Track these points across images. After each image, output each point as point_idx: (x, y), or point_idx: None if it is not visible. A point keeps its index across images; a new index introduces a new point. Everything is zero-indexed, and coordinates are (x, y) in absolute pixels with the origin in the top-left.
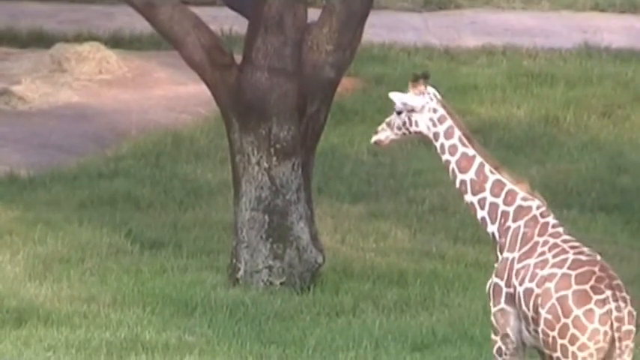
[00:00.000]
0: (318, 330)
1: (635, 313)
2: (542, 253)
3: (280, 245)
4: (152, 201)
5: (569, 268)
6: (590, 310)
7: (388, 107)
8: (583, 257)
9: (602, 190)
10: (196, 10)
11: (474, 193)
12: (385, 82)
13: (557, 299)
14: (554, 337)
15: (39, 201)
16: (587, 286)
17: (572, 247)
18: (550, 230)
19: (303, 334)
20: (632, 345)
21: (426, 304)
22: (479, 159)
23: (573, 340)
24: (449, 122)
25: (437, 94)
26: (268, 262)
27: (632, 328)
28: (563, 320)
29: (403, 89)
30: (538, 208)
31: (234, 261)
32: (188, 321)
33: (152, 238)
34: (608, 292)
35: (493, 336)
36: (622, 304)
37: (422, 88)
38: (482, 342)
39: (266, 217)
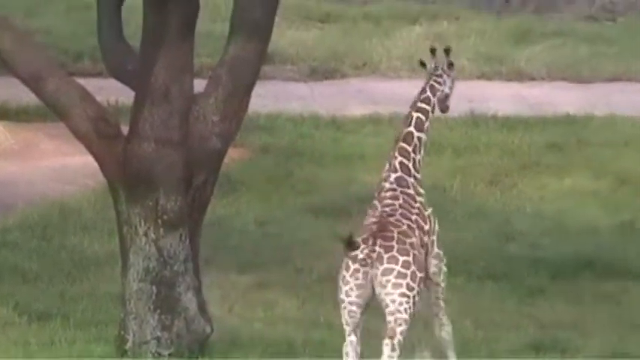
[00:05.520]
0: None
1: (391, 254)
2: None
3: (168, 316)
4: (39, 273)
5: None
6: (355, 255)
7: (276, 177)
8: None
9: (489, 258)
10: (83, 82)
11: None
12: (272, 151)
13: None
14: None
15: None
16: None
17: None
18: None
19: None
20: (396, 280)
21: None
22: None
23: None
24: None
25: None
26: (156, 333)
27: (391, 267)
28: None
29: (290, 158)
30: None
31: (122, 332)
32: None
33: (40, 310)
34: (370, 241)
35: None
36: (379, 249)
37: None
38: None
39: (154, 288)
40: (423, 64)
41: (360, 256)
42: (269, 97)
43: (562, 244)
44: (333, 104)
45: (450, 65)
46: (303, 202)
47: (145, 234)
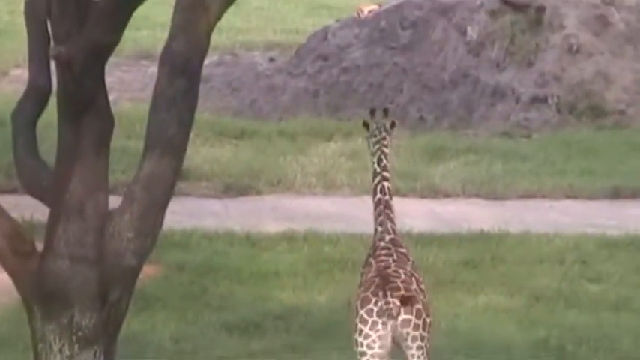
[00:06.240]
0: None
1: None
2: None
3: None
4: None
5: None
6: (370, 309)
7: (191, 293)
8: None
9: None
10: None
11: None
12: (187, 268)
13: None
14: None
15: None
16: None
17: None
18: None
19: None
20: (414, 332)
21: None
22: None
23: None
24: None
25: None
26: None
27: (408, 317)
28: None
29: (204, 275)
30: None
31: None
32: None
33: None
34: (380, 293)
35: None
36: (392, 299)
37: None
38: None
39: None
40: (365, 125)
41: (376, 308)
42: (184, 214)
43: None
44: (248, 221)
45: (393, 125)
46: (217, 319)
47: (60, 350)
